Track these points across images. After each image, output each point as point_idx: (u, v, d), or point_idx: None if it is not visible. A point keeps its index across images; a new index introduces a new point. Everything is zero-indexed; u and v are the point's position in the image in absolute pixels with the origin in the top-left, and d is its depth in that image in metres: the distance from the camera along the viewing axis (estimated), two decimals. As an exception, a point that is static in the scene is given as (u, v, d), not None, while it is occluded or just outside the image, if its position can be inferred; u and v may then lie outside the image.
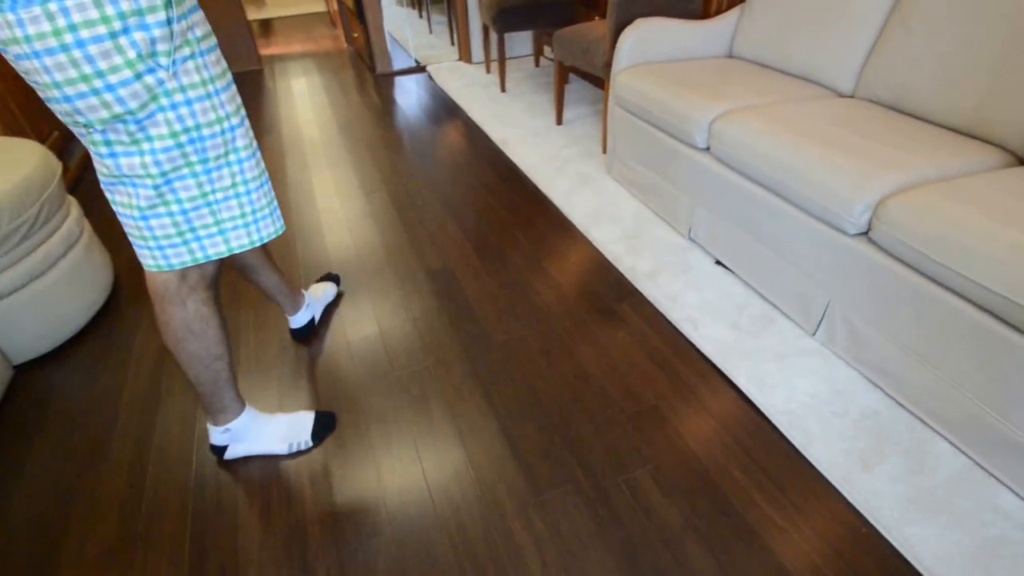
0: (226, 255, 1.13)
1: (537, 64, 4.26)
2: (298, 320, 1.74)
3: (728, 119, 1.83)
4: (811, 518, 1.23)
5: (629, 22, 2.48)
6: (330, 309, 1.90)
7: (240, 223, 1.11)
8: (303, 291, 1.76)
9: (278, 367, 1.68)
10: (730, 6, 2.58)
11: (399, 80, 4.18)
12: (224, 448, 1.39)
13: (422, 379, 1.62)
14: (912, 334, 1.39)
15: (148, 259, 1.09)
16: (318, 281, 1.96)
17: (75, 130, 0.94)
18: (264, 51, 5.16)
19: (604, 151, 2.86)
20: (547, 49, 4.38)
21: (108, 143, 0.94)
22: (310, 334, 1.78)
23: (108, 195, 1.04)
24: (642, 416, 1.48)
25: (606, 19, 2.57)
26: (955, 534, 1.18)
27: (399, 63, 4.47)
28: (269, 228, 1.16)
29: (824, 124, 1.70)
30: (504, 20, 3.39)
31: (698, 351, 1.67)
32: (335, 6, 5.56)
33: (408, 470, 1.37)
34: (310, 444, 1.43)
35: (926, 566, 1.13)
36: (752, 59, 2.35)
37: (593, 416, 1.48)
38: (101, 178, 1.01)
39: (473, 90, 3.83)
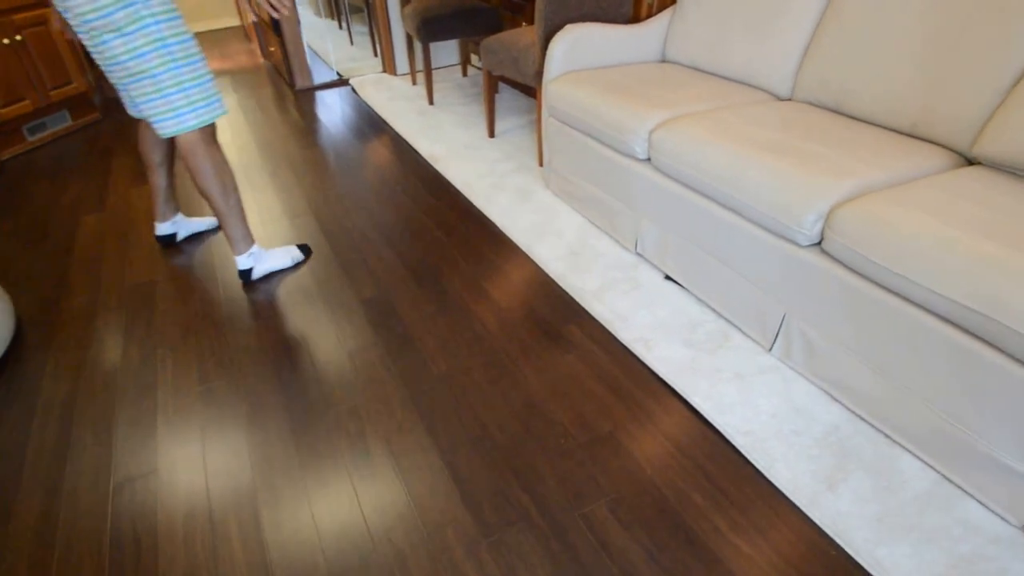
0: (208, 123, 1.79)
1: (465, 74, 4.24)
2: (163, 228, 2.26)
3: (667, 128, 1.83)
4: (778, 544, 1.20)
5: (558, 28, 2.47)
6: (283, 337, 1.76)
7: (205, 102, 1.75)
8: (180, 212, 2.30)
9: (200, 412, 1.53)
10: (660, 9, 2.62)
11: (321, 95, 4.06)
12: (250, 270, 2.06)
13: (359, 415, 1.51)
14: (870, 346, 1.40)
15: (176, 127, 1.74)
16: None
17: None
18: (171, 67, 4.91)
19: (540, 163, 2.84)
20: (474, 58, 4.36)
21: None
22: (169, 245, 2.30)
23: (133, 93, 1.68)
24: (597, 444, 1.42)
25: (534, 26, 2.56)
26: (928, 553, 1.17)
27: (320, 77, 4.35)
28: (221, 109, 1.82)
29: (766, 130, 1.72)
30: (428, 30, 3.35)
31: (652, 373, 1.64)
32: (249, 20, 5.38)
33: (347, 514, 1.26)
34: (301, 258, 2.17)
35: (900, 588, 1.12)
36: (686, 63, 2.39)
37: (545, 447, 1.42)
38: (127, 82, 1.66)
39: (399, 103, 3.75)
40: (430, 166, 2.92)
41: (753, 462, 1.37)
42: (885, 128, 1.76)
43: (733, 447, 1.41)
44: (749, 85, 2.17)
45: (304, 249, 2.19)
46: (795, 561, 1.17)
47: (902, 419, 1.38)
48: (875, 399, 1.42)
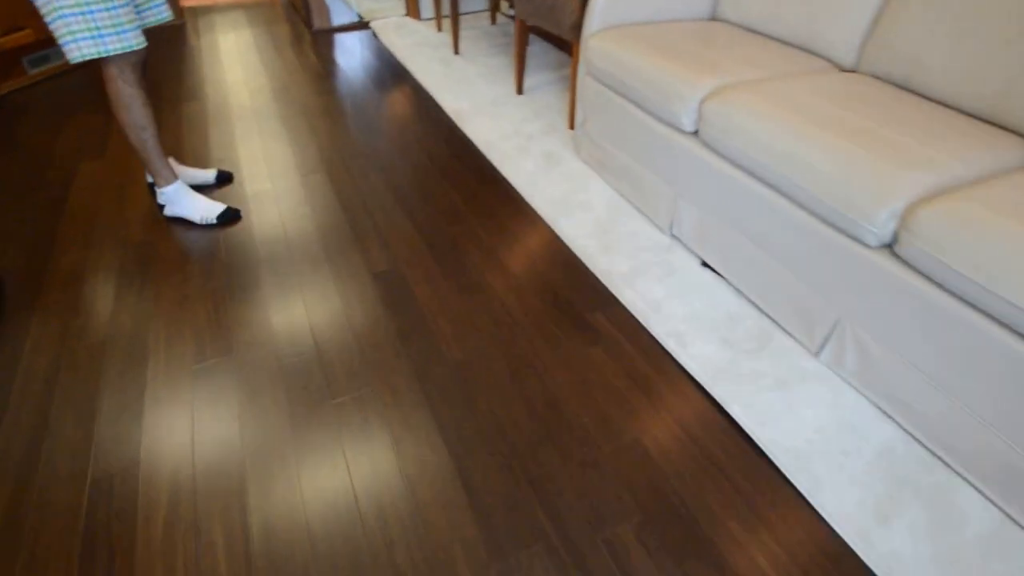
0: (113, 53, 1.66)
1: (493, 21, 3.99)
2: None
3: (720, 98, 1.64)
4: (824, 586, 1.09)
5: (603, -21, 2.24)
6: (261, 320, 1.65)
7: (113, 31, 1.63)
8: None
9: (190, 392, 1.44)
10: (715, -36, 2.37)
11: (339, 38, 3.84)
12: (163, 206, 2.05)
13: (364, 405, 1.41)
14: (936, 362, 1.26)
15: (77, 52, 1.61)
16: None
17: None
18: (186, 1, 4.69)
19: (571, 126, 2.65)
20: (504, 4, 4.09)
21: None
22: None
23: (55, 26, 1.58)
24: (623, 454, 1.31)
25: (577, -25, 2.33)
26: (987, 604, 1.06)
27: (339, 18, 4.11)
28: (131, 41, 1.68)
29: (831, 107, 1.53)
30: (459, -28, 3.10)
31: (685, 373, 1.51)
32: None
33: (345, 521, 1.17)
34: (213, 222, 2.03)
35: (958, 647, 1.01)
36: (739, 23, 2.17)
37: (567, 454, 1.31)
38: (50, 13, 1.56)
39: (423, 51, 3.53)
40: (452, 123, 2.74)
41: (796, 484, 1.25)
42: (958, 111, 1.56)
43: (774, 466, 1.29)
44: (808, 51, 1.96)
45: (227, 214, 2.04)
46: (840, 606, 1.06)
47: (967, 447, 1.24)
48: (936, 421, 1.29)
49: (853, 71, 1.86)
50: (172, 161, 2.13)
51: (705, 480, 1.26)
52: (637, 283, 1.78)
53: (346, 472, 1.27)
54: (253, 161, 2.42)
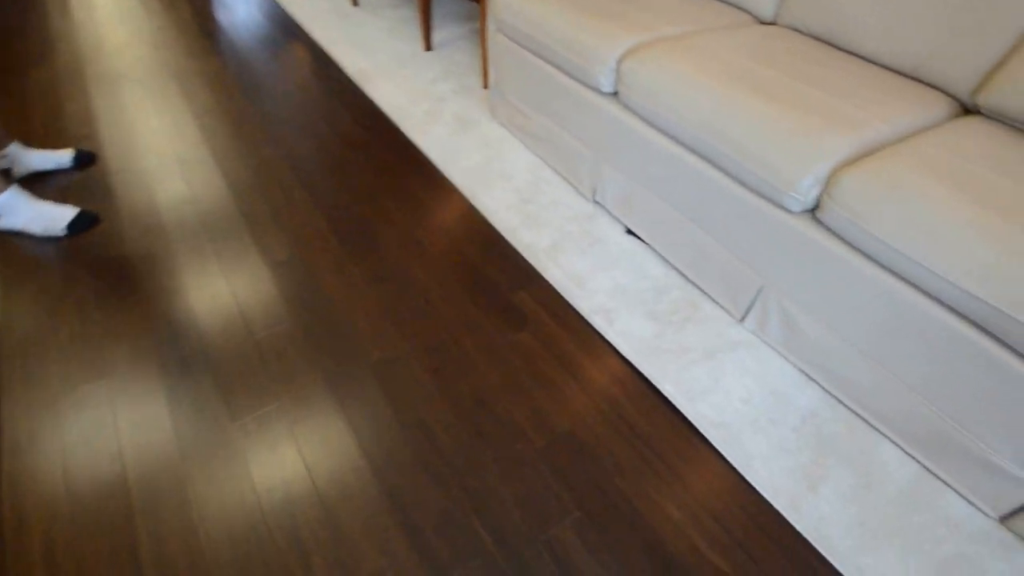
0: None
1: (395, -32, 3.71)
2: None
3: (638, 58, 1.58)
4: (763, 562, 1.11)
5: (507, -76, 2.09)
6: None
7: None
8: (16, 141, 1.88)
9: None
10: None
11: (218, -12, 3.47)
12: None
13: (272, 427, 1.30)
14: (858, 327, 1.29)
15: None
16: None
17: None
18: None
19: (485, 85, 2.53)
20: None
21: None
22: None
23: None
24: (557, 447, 1.28)
25: (477, -81, 2.17)
26: (911, 558, 1.12)
27: (216, -36, 3.71)
28: None
29: (751, 64, 1.50)
30: (348, -88, 2.84)
31: (616, 352, 1.48)
32: None
33: (255, 556, 1.08)
34: (61, 233, 1.71)
35: (887, 609, 1.06)
36: (653, -25, 2.09)
37: (499, 455, 1.26)
38: None
39: (316, 4, 3.26)
40: (355, 85, 2.55)
41: (729, 459, 1.27)
42: (881, 66, 1.58)
43: (707, 442, 1.30)
44: (727, 3, 1.91)
45: (81, 221, 1.73)
46: (777, 582, 1.09)
47: (886, 406, 1.29)
48: (855, 382, 1.33)
49: (773, 23, 1.84)
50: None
51: (642, 466, 1.25)
52: (561, 256, 1.73)
53: (256, 504, 1.17)
54: (119, 138, 2.16)
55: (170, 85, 2.49)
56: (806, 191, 1.27)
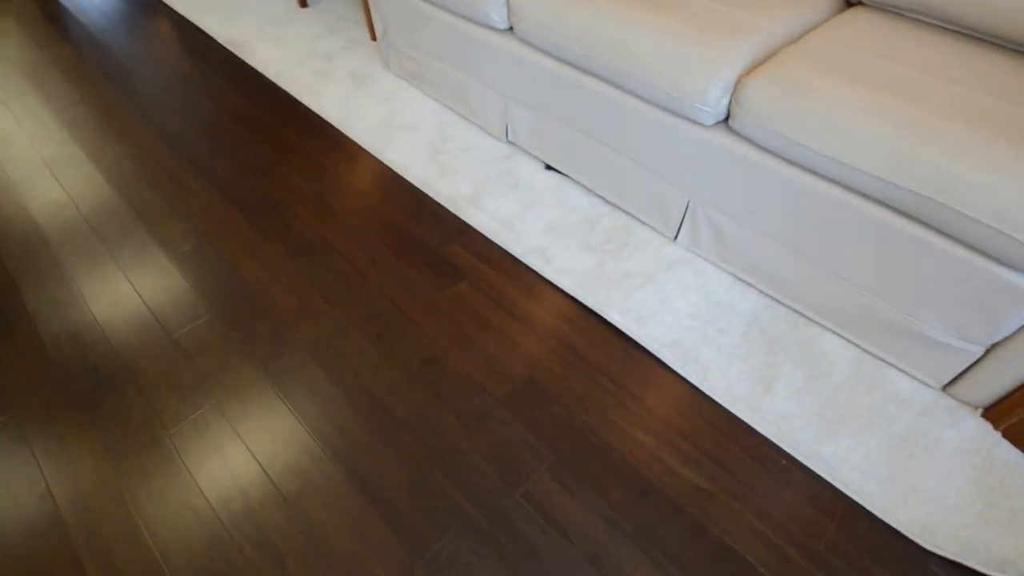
0: None
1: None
2: None
3: (531, -15, 1.42)
4: (735, 470, 1.08)
5: None
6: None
7: None
8: None
9: None
10: None
11: (53, -35, 2.95)
12: None
13: (211, 428, 1.13)
14: (783, 227, 1.24)
15: None
16: None
17: None
18: None
19: (373, 37, 2.28)
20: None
21: None
22: None
23: None
24: (518, 396, 1.18)
25: None
26: (869, 439, 1.11)
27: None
28: None
29: (646, -20, 1.38)
30: None
31: (558, 290, 1.39)
32: None
33: (222, 567, 0.94)
34: None
35: (854, 488, 1.05)
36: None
37: (459, 414, 1.15)
38: None
39: (172, -30, 2.82)
40: (230, 54, 2.23)
41: (686, 377, 1.21)
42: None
43: (664, 364, 1.24)
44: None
45: None
46: (753, 483, 1.06)
47: (818, 298, 1.27)
48: (789, 280, 1.30)
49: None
50: None
51: (604, 398, 1.18)
52: (485, 202, 1.60)
53: (214, 517, 1.01)
54: (-27, 146, 1.80)
55: (20, 82, 2.09)
56: (716, 102, 1.19)
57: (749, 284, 1.38)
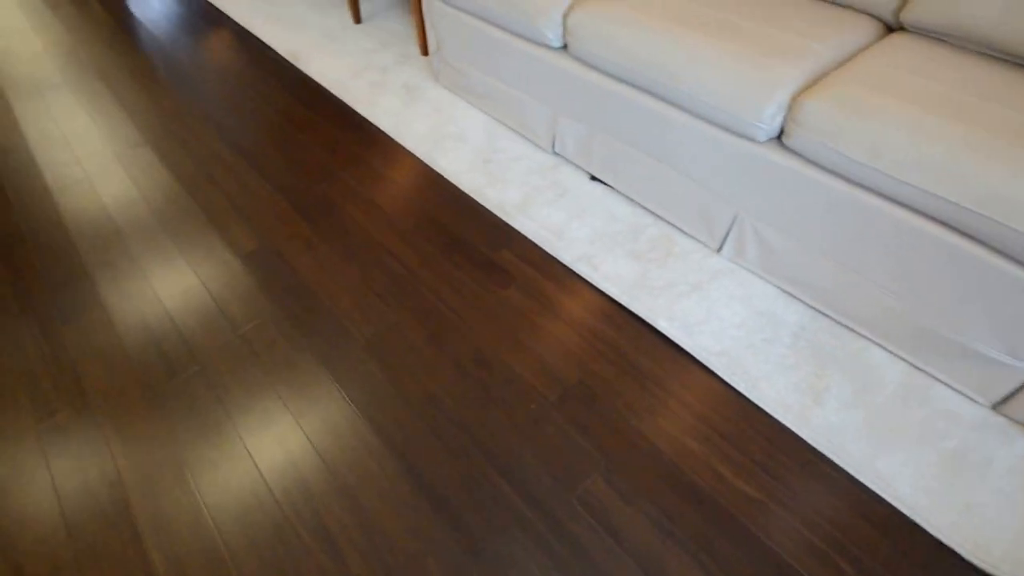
0: None
1: (309, -54, 3.33)
2: None
3: (584, 10, 1.41)
4: (785, 480, 1.04)
5: None
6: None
7: None
8: None
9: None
10: None
11: (127, -19, 3.03)
12: None
13: (275, 420, 1.13)
14: (831, 241, 1.21)
15: None
16: None
17: None
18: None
19: (424, 52, 2.30)
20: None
21: None
22: None
23: None
24: (571, 399, 1.16)
25: None
26: (921, 455, 1.06)
27: (120, -43, 3.24)
28: None
29: (687, 3, 1.37)
30: None
31: (606, 296, 1.36)
32: None
33: (281, 551, 0.93)
34: None
35: (908, 503, 1.00)
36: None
37: (514, 416, 1.13)
38: None
39: (235, -13, 2.88)
40: (291, 65, 2.26)
41: (735, 386, 1.18)
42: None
43: (710, 371, 1.21)
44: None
45: None
46: (808, 495, 1.02)
47: (865, 311, 1.23)
48: (836, 293, 1.26)
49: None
50: None
51: (654, 404, 1.15)
52: (533, 210, 1.58)
53: (274, 504, 1.01)
54: (50, 146, 1.85)
55: (96, 86, 2.15)
56: (770, 120, 1.16)
57: (794, 296, 1.34)
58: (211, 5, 2.75)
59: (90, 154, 1.80)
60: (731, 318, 1.30)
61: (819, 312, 1.31)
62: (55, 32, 2.54)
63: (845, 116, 1.06)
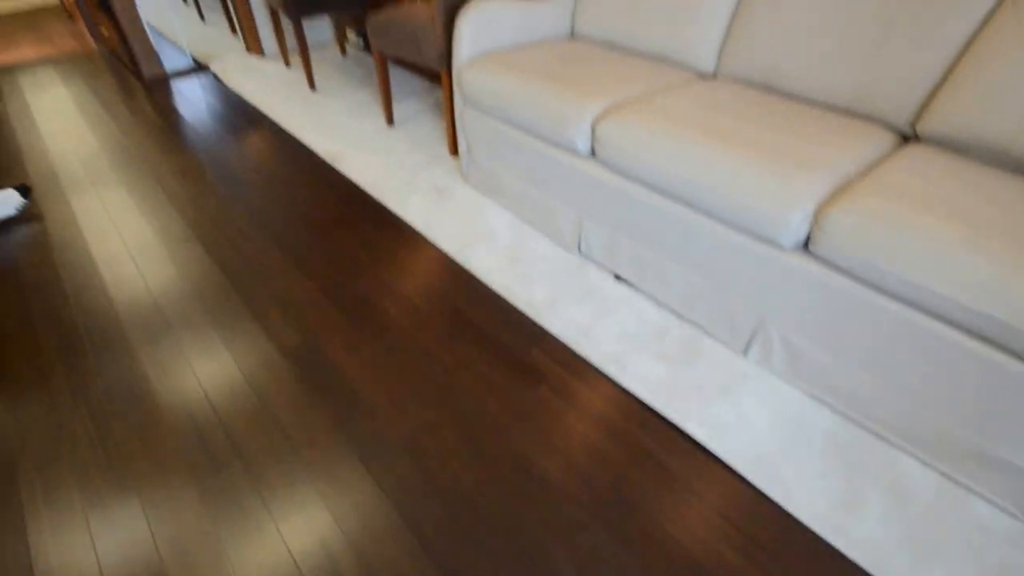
0: None
1: (343, 52, 3.60)
2: None
3: (612, 121, 1.51)
4: (830, 599, 1.01)
5: (458, 5, 2.03)
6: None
7: None
8: None
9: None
10: (559, -15, 2.24)
11: (177, 85, 3.26)
12: None
13: (316, 520, 1.11)
14: (860, 348, 1.23)
15: None
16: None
17: None
18: (-24, 57, 3.75)
19: (453, 152, 2.43)
20: (351, 35, 3.72)
21: None
22: None
23: None
24: (606, 506, 1.15)
25: (432, 3, 2.09)
26: (962, 570, 1.03)
27: (171, 63, 3.50)
28: None
29: (714, 116, 1.46)
30: (299, 3, 2.72)
31: (635, 399, 1.37)
32: (69, -7, 4.23)
33: None
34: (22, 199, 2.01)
35: (957, 626, 0.97)
36: (599, 38, 2.06)
37: (550, 521, 1.12)
38: None
39: (276, 91, 3.09)
40: (329, 166, 2.39)
41: (768, 494, 1.16)
42: (820, 105, 1.57)
43: (743, 479, 1.20)
44: (669, 62, 1.89)
45: (22, 191, 2.05)
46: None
47: (898, 420, 1.23)
48: (867, 401, 1.26)
49: (714, 77, 1.82)
50: None
51: (689, 510, 1.14)
52: (560, 308, 1.62)
53: (316, 616, 0.98)
54: (102, 240, 1.93)
55: (148, 183, 2.27)
56: (797, 228, 1.21)
57: (824, 401, 1.35)
58: (255, 108, 2.94)
59: (142, 249, 1.87)
60: (761, 423, 1.30)
61: (850, 419, 1.31)
62: (110, 131, 2.71)
63: (874, 228, 1.09)
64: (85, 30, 4.30)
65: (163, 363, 1.45)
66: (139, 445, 1.25)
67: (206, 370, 1.43)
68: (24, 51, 3.93)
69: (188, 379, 1.40)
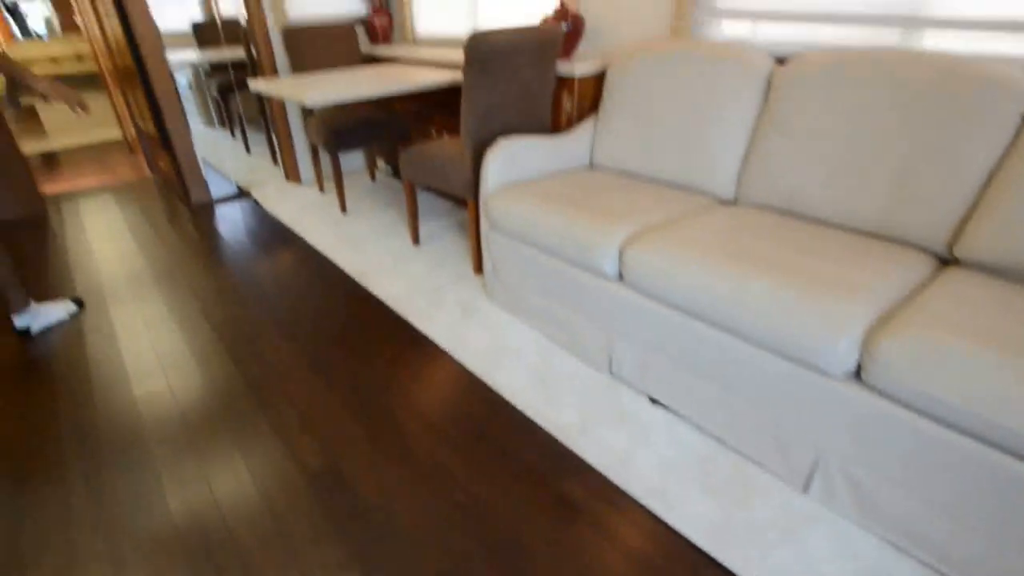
0: None
1: (373, 178, 3.77)
2: (21, 321, 1.99)
3: (639, 246, 1.48)
4: None
5: (486, 142, 2.13)
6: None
7: None
8: (31, 301, 2.01)
9: None
10: (579, 118, 2.34)
11: (221, 210, 3.40)
12: (28, 329, 1.99)
13: None
14: (941, 489, 1.06)
15: None
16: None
17: None
18: (47, 189, 4.00)
19: (477, 271, 2.41)
20: (380, 163, 3.91)
21: None
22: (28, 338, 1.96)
23: None
24: None
25: (461, 139, 2.19)
26: None
27: (218, 190, 3.69)
28: None
29: (741, 240, 1.42)
30: (339, 141, 2.89)
31: (684, 539, 1.20)
32: (133, 131, 4.60)
33: None
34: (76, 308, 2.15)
35: None
36: (616, 168, 2.10)
37: None
38: None
39: (310, 214, 3.20)
40: (357, 284, 2.38)
41: (858, 671, 0.95)
42: (846, 230, 1.52)
43: (824, 649, 0.99)
44: (689, 189, 1.90)
45: (78, 303, 2.18)
46: None
47: (989, 570, 1.03)
48: (951, 548, 1.08)
49: (734, 204, 1.81)
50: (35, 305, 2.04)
51: None
52: (594, 434, 1.49)
53: None
54: (139, 356, 1.88)
55: (186, 297, 2.28)
56: (844, 356, 1.11)
57: (902, 549, 1.16)
58: (290, 230, 3.02)
59: (173, 363, 1.83)
60: (833, 575, 1.11)
61: (936, 571, 1.11)
62: (155, 250, 2.78)
63: (924, 356, 1.00)
64: (143, 162, 4.63)
65: (185, 488, 1.32)
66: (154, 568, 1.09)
67: (226, 491, 1.30)
68: (87, 180, 4.20)
69: (206, 498, 1.27)
